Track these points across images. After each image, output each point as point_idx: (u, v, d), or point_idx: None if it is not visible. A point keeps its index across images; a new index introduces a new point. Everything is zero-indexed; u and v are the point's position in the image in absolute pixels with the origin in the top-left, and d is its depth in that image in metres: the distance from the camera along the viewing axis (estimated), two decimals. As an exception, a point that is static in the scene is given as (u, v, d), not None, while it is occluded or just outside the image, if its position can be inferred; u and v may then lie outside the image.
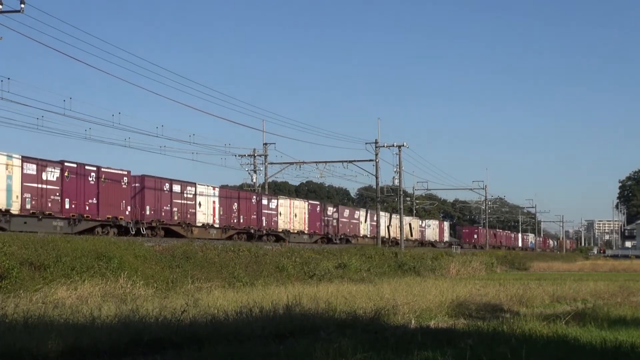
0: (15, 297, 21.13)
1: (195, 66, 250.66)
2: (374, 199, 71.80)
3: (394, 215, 78.85)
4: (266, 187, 67.13)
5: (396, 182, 69.48)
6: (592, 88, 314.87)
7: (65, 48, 75.99)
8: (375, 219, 72.04)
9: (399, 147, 66.38)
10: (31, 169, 35.70)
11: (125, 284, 25.97)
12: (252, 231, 54.65)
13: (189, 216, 47.50)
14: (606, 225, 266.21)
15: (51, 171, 36.92)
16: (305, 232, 62.69)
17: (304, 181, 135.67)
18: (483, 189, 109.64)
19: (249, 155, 66.13)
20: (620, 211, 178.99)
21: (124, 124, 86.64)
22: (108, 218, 40.38)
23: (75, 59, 37.02)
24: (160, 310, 17.94)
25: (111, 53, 75.40)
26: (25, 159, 35.55)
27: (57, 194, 37.11)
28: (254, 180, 66.25)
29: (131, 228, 41.87)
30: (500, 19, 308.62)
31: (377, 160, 65.56)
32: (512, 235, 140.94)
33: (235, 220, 52.85)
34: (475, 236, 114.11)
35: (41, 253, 26.42)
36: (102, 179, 39.96)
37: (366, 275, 42.42)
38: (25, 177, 35.27)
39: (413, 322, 20.35)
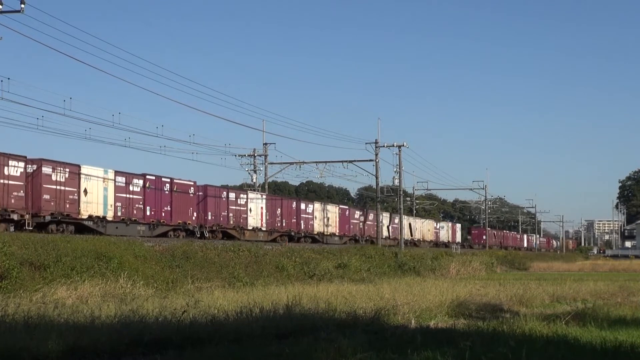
0: (15, 297, 21.15)
1: (195, 66, 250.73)
2: (374, 199, 71.83)
3: (412, 218, 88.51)
4: (266, 187, 67.09)
5: (396, 182, 69.44)
6: (592, 88, 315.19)
7: (65, 48, 76.03)
8: (397, 221, 77.84)
9: (399, 147, 66.34)
10: (121, 181, 41.91)
11: (125, 284, 25.96)
12: (292, 233, 60.09)
13: (241, 220, 53.74)
14: (606, 225, 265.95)
15: (136, 183, 43.14)
16: (337, 234, 67.85)
17: (304, 181, 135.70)
18: (483, 189, 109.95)
19: (249, 155, 66.14)
20: (620, 211, 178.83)
21: (124, 124, 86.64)
22: (179, 223, 46.64)
23: (75, 59, 37.03)
24: (160, 311, 17.95)
25: (111, 53, 75.74)
26: (117, 173, 41.73)
27: (140, 203, 43.29)
28: (254, 180, 66.24)
29: (196, 231, 47.73)
30: (501, 19, 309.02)
31: (377, 160, 65.58)
32: (518, 236, 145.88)
33: (279, 224, 58.69)
34: (485, 237, 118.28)
35: (41, 253, 26.42)
36: (174, 190, 46.15)
37: (366, 275, 42.43)
38: (117, 189, 41.52)
39: (413, 322, 20.35)
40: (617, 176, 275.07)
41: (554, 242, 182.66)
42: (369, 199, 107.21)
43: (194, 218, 47.76)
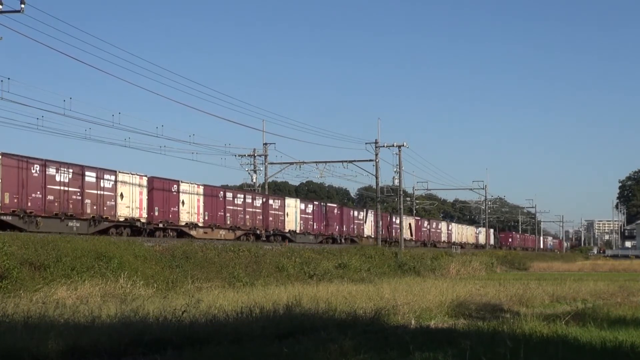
0: (15, 297, 21.15)
1: (195, 66, 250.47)
2: (374, 199, 71.92)
3: (458, 224, 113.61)
4: (266, 187, 67.16)
5: (396, 182, 69.50)
6: (592, 88, 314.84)
7: (65, 48, 75.89)
8: (450, 228, 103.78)
9: (399, 147, 66.37)
10: (303, 206, 62.48)
11: (126, 284, 25.97)
12: (387, 239, 76.50)
13: (360, 230, 73.41)
14: (606, 225, 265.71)
15: (309, 207, 63.48)
16: (413, 239, 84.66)
17: (304, 181, 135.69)
18: (483, 189, 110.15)
19: (249, 155, 66.16)
20: (620, 211, 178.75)
21: (124, 124, 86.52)
22: (330, 233, 66.40)
23: (75, 59, 37.03)
24: (160, 311, 17.94)
25: (111, 53, 75.71)
26: (301, 200, 64.35)
27: (311, 220, 63.44)
28: (254, 180, 66.28)
29: (338, 239, 66.91)
30: (501, 19, 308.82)
31: (377, 160, 65.59)
32: (536, 238, 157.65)
33: (382, 233, 73.58)
34: (510, 239, 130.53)
35: (41, 253, 26.42)
36: (326, 211, 65.99)
37: (366, 275, 42.45)
38: (301, 212, 61.67)
39: (413, 322, 20.36)
40: (617, 176, 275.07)
41: (565, 243, 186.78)
42: (369, 199, 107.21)
43: (336, 229, 67.56)
